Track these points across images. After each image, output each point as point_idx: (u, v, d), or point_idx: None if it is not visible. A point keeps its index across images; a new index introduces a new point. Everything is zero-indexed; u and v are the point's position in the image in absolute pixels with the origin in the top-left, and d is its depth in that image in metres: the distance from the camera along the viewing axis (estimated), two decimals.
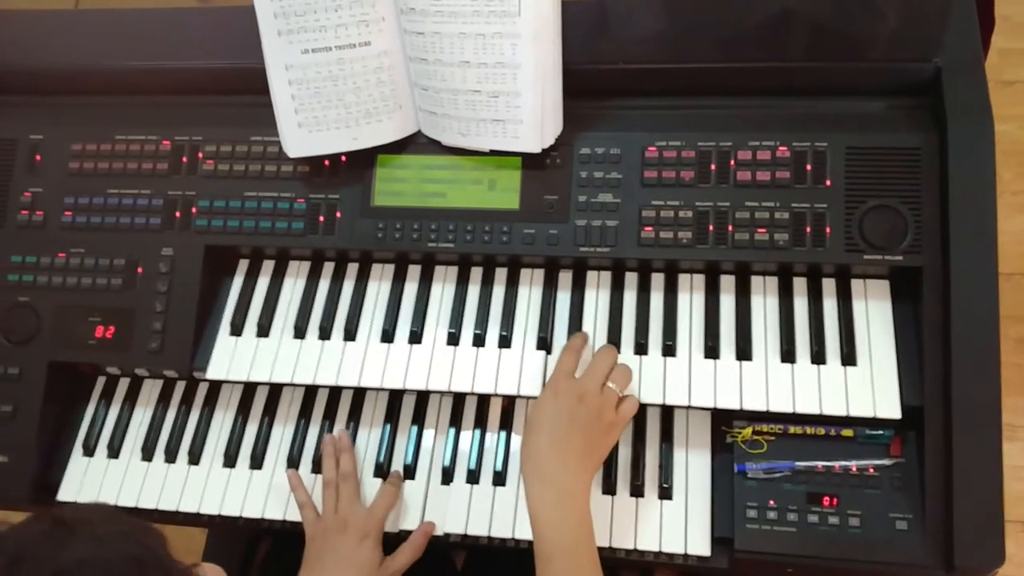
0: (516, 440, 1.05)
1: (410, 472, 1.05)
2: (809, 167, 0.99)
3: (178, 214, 1.11)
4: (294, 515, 1.04)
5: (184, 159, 1.12)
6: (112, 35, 1.18)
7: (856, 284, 1.00)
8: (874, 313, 0.98)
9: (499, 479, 1.03)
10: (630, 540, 0.97)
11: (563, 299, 1.06)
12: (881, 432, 0.95)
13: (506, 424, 1.06)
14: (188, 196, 1.11)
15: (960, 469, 0.88)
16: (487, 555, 1.24)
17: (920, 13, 1.00)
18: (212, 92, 1.15)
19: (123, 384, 1.16)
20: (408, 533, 1.02)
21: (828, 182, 0.98)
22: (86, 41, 1.19)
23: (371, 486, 1.05)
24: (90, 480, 1.10)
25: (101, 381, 1.17)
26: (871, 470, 0.94)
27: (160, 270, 1.10)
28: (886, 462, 0.95)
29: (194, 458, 1.10)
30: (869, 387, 0.95)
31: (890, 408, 0.93)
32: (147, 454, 1.11)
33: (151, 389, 1.15)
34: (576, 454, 0.91)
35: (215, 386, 1.14)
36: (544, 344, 1.03)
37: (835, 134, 0.99)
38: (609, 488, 1.00)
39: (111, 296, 1.10)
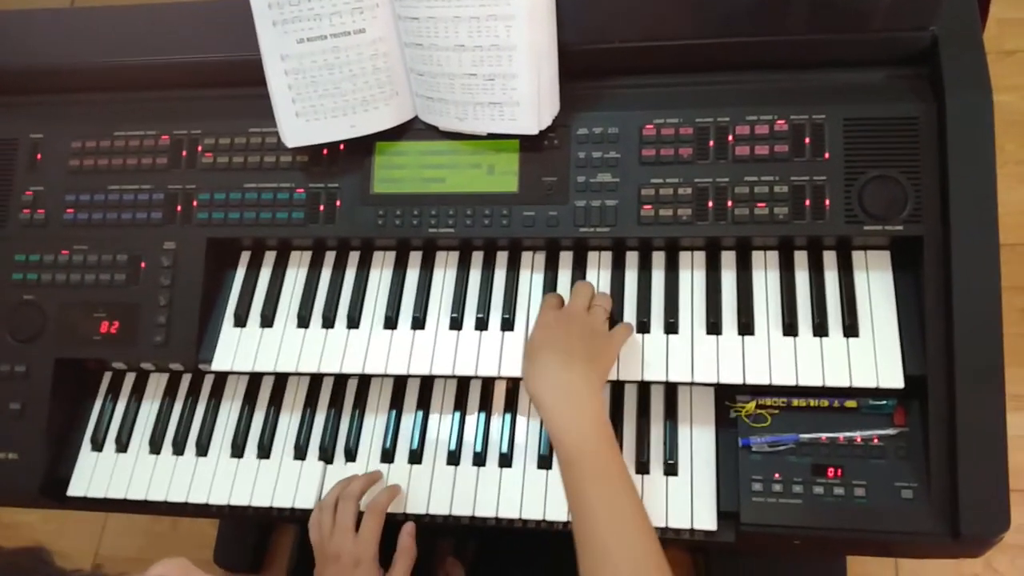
0: (521, 422, 1.06)
1: (416, 456, 1.05)
2: (807, 140, 0.99)
3: (179, 208, 1.11)
4: (303, 503, 1.05)
5: (184, 153, 1.12)
6: (108, 32, 1.18)
7: (857, 255, 1.00)
8: (875, 284, 0.99)
9: (505, 461, 1.03)
10: None
11: (564, 280, 1.06)
12: (884, 402, 0.95)
13: (511, 406, 1.07)
14: (188, 190, 1.11)
15: (964, 436, 0.89)
16: (496, 543, 1.25)
17: None
18: (209, 85, 1.15)
19: (129, 378, 1.17)
20: (416, 517, 1.03)
21: (827, 154, 0.98)
22: (83, 39, 1.19)
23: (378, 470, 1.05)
24: (99, 475, 1.11)
25: (107, 376, 1.17)
26: (875, 440, 0.95)
27: (163, 264, 1.10)
28: (890, 432, 0.95)
29: (202, 449, 1.10)
30: (872, 358, 0.95)
31: (893, 378, 0.93)
32: (155, 447, 1.12)
33: (157, 382, 1.16)
34: (580, 361, 0.92)
35: (221, 377, 1.15)
36: None
37: (833, 106, 0.99)
38: None
39: (115, 292, 1.11)
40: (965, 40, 0.95)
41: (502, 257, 1.09)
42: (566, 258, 1.07)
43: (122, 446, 1.12)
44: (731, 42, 1.01)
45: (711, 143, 1.00)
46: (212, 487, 1.08)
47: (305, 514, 1.04)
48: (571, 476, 0.87)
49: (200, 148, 1.12)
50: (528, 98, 0.99)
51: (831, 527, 0.93)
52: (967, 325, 0.90)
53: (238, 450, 1.10)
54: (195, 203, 1.11)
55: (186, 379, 1.16)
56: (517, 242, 1.07)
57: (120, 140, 1.14)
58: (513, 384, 1.08)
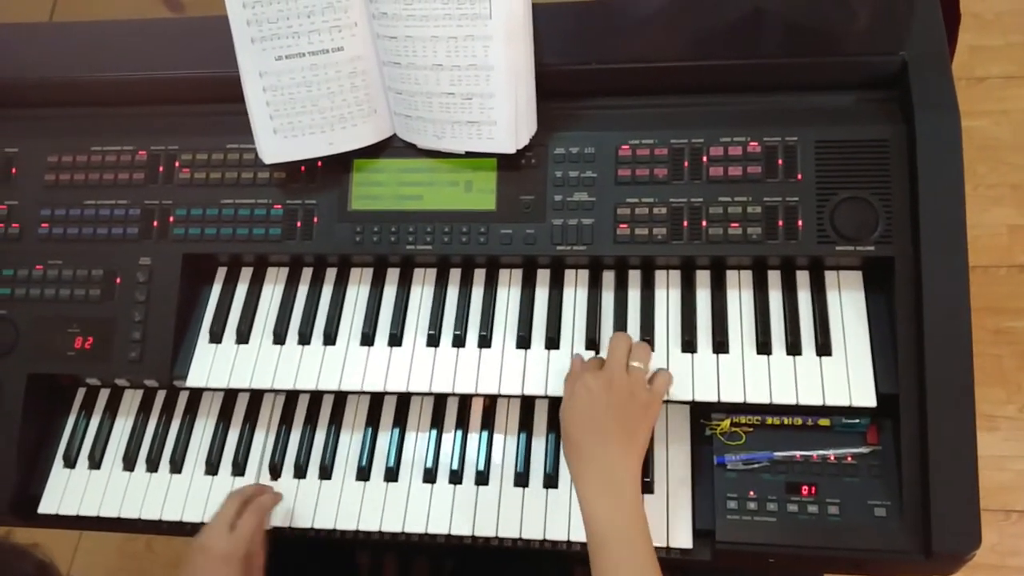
0: (498, 439, 1.06)
1: (392, 474, 1.05)
2: (780, 161, 1.00)
3: (155, 223, 1.11)
4: (278, 521, 1.04)
5: (160, 168, 1.12)
6: (86, 47, 1.18)
7: (829, 275, 1.02)
8: (848, 304, 1.00)
9: (482, 479, 1.03)
10: None
11: (541, 298, 1.06)
12: (857, 421, 0.96)
13: (488, 424, 1.07)
14: (165, 205, 1.11)
15: (935, 455, 0.90)
16: (472, 562, 1.24)
17: (885, 8, 1.01)
18: (187, 101, 1.15)
19: (103, 395, 1.16)
20: (392, 535, 1.02)
21: (799, 176, 0.99)
22: (61, 53, 1.19)
23: (353, 489, 1.05)
24: (71, 491, 1.10)
25: (81, 392, 1.16)
26: (849, 458, 0.96)
27: (138, 280, 1.10)
28: (863, 450, 0.96)
29: (176, 467, 1.09)
30: (844, 376, 0.96)
31: (865, 396, 0.94)
32: (129, 464, 1.11)
33: (132, 399, 1.15)
34: (617, 440, 0.90)
35: (196, 394, 1.14)
36: (524, 343, 1.04)
37: (805, 128, 1.00)
38: None
39: (89, 307, 1.10)
40: (934, 64, 0.97)
41: (479, 274, 1.09)
42: (543, 276, 1.08)
43: (95, 463, 1.11)
44: (706, 65, 1.03)
45: (686, 164, 1.02)
46: (186, 504, 1.07)
47: (280, 532, 1.04)
48: (600, 559, 0.86)
49: (177, 164, 1.12)
50: (505, 117, 1.00)
51: (805, 545, 0.93)
52: (938, 345, 0.91)
53: (212, 467, 1.09)
54: (171, 219, 1.10)
55: (161, 395, 1.15)
56: (495, 259, 1.08)
57: (97, 155, 1.13)
58: (490, 402, 1.08)
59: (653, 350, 1.00)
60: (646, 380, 0.94)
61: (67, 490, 1.10)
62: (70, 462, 1.12)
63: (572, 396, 0.93)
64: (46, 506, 1.10)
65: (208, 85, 1.11)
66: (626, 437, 0.90)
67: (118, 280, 1.10)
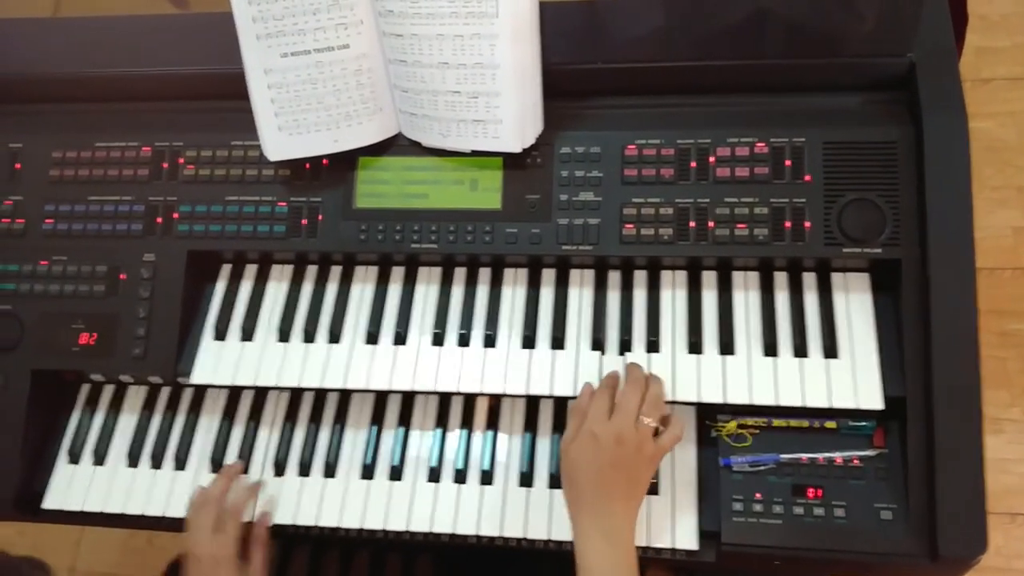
0: (503, 439, 1.05)
1: (397, 473, 1.05)
2: (788, 162, 0.99)
3: (160, 220, 1.11)
4: (282, 518, 1.04)
5: (165, 165, 1.12)
6: (91, 42, 1.18)
7: (836, 277, 1.01)
8: (855, 306, 0.99)
9: (486, 478, 1.03)
10: None
11: (547, 298, 1.06)
12: (864, 423, 0.96)
13: (493, 423, 1.06)
14: (169, 202, 1.11)
15: (942, 458, 0.89)
16: (474, 561, 1.24)
17: (893, 9, 1.01)
18: (192, 98, 1.15)
19: (108, 391, 1.16)
20: (396, 534, 1.02)
21: (807, 177, 0.99)
22: (65, 49, 1.18)
23: (358, 488, 1.05)
24: (76, 488, 1.10)
25: (85, 388, 1.16)
26: (855, 461, 0.95)
27: (143, 276, 1.09)
28: (869, 453, 0.95)
29: (180, 463, 1.09)
30: (851, 379, 0.95)
31: (872, 399, 0.94)
32: (133, 460, 1.11)
33: (136, 395, 1.15)
34: (621, 494, 0.90)
35: (200, 391, 1.14)
36: (529, 342, 1.03)
37: (813, 129, 1.00)
38: None
39: (94, 303, 1.10)
40: (941, 66, 0.97)
41: (484, 274, 1.09)
42: (548, 275, 1.07)
43: (99, 459, 1.11)
44: (713, 65, 1.02)
45: (692, 164, 1.01)
46: None
47: (285, 529, 1.04)
48: None
49: (182, 160, 1.11)
50: (512, 116, 0.99)
51: (810, 547, 0.93)
52: (945, 347, 0.91)
53: (217, 464, 1.09)
54: (176, 215, 1.10)
55: (165, 392, 1.15)
56: (500, 259, 1.07)
57: (101, 151, 1.13)
58: (495, 401, 1.08)
59: (658, 351, 1.00)
60: (651, 434, 0.92)
61: (71, 486, 1.10)
62: (74, 458, 1.12)
63: (578, 442, 0.92)
64: (50, 502, 1.09)
65: (213, 82, 1.11)
66: (628, 490, 0.91)
67: (122, 276, 1.10)
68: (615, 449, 0.90)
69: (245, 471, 1.08)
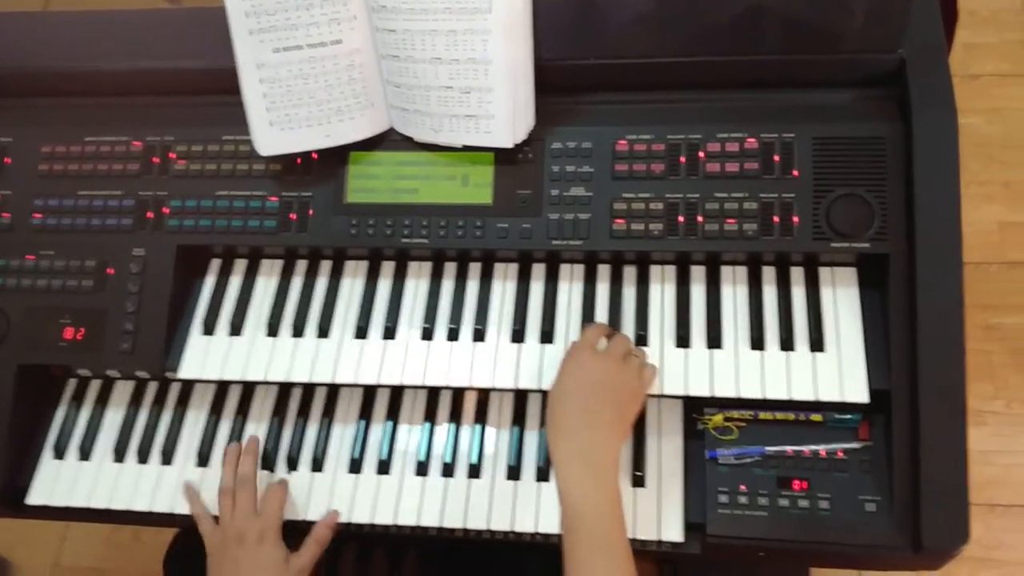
0: (491, 433, 1.06)
1: (385, 467, 1.05)
2: (777, 158, 1.00)
3: (149, 214, 1.10)
4: None
5: (155, 159, 1.11)
6: (82, 36, 1.17)
7: (824, 272, 1.02)
8: (842, 300, 1.00)
9: (474, 472, 1.03)
10: None
11: (536, 292, 1.07)
12: (849, 416, 0.97)
13: (481, 417, 1.07)
14: (159, 196, 1.11)
15: (926, 451, 0.90)
16: (462, 554, 1.25)
17: (883, 5, 1.01)
18: (183, 92, 1.15)
19: (95, 386, 1.15)
20: (384, 527, 1.02)
21: (796, 172, 1.00)
22: (56, 42, 1.17)
23: (346, 482, 1.05)
24: (61, 483, 1.09)
25: (72, 383, 1.16)
26: (840, 454, 0.96)
27: (131, 271, 1.09)
28: (855, 446, 0.96)
29: (167, 458, 1.09)
30: (837, 372, 0.96)
31: (858, 392, 0.95)
32: (119, 455, 1.10)
33: (123, 390, 1.15)
34: (606, 425, 0.90)
35: (188, 386, 1.14)
36: (518, 337, 1.04)
37: (802, 125, 1.00)
38: None
39: (82, 297, 1.09)
40: (931, 62, 0.98)
41: (475, 268, 1.09)
42: (539, 270, 1.08)
43: (85, 454, 1.11)
44: (704, 61, 1.03)
45: (682, 159, 1.02)
46: (177, 496, 1.07)
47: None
48: (572, 541, 0.85)
49: (172, 155, 1.11)
50: (504, 112, 0.99)
51: (795, 539, 0.94)
52: (931, 341, 0.91)
53: (204, 459, 1.09)
54: (166, 210, 1.10)
55: (152, 387, 1.15)
56: (490, 254, 1.08)
57: (91, 145, 1.13)
58: (484, 395, 1.08)
59: (647, 345, 1.01)
60: (638, 371, 0.95)
61: (57, 481, 1.10)
62: (60, 453, 1.11)
63: (565, 373, 0.94)
64: (35, 497, 1.09)
65: (204, 76, 1.11)
66: (615, 421, 0.91)
67: (111, 271, 1.10)
68: (601, 378, 0.91)
69: None
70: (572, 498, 0.87)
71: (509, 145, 1.02)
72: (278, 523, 1.00)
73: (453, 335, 1.05)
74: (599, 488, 0.87)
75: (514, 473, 1.03)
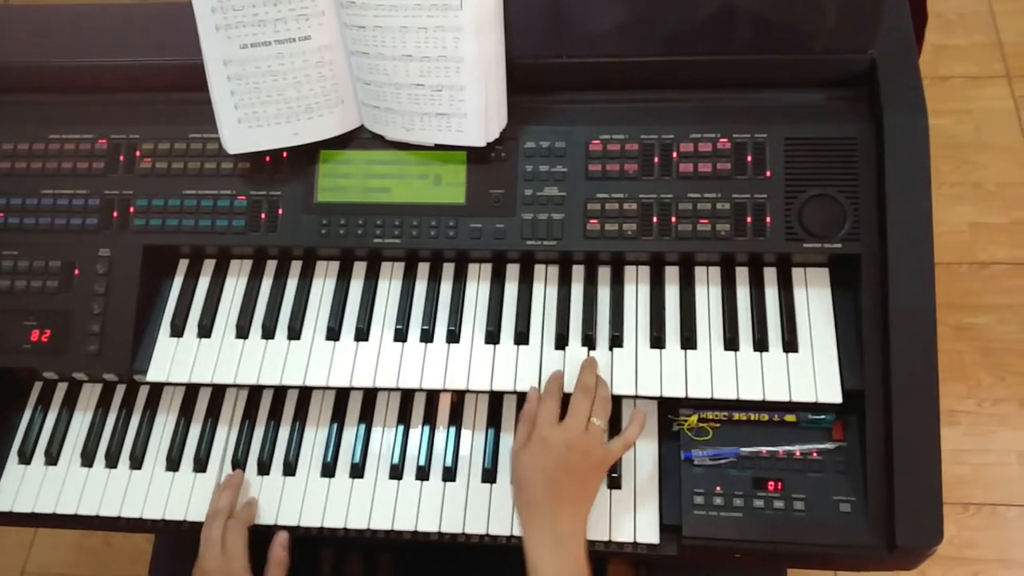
0: (466, 435, 1.05)
1: (358, 470, 1.04)
2: (749, 158, 1.00)
3: (115, 214, 1.08)
4: None
5: (121, 158, 1.09)
6: (44, 31, 1.15)
7: (797, 272, 1.02)
8: (814, 300, 1.00)
9: (449, 475, 1.02)
10: None
11: (511, 293, 1.06)
12: (823, 417, 0.97)
13: (455, 419, 1.06)
14: (125, 195, 1.08)
15: (900, 451, 0.90)
16: (436, 558, 1.24)
17: (855, 7, 1.02)
18: (149, 89, 1.13)
19: (61, 389, 1.13)
20: (358, 532, 1.01)
21: (768, 173, 1.00)
22: (18, 37, 1.15)
23: (318, 486, 1.04)
24: (26, 489, 1.07)
25: (38, 386, 1.13)
26: (814, 454, 0.96)
27: (97, 271, 1.07)
28: (829, 446, 0.96)
29: (136, 462, 1.07)
30: (811, 373, 0.96)
31: (831, 393, 0.95)
32: (87, 460, 1.08)
33: (90, 393, 1.13)
34: (571, 500, 0.92)
35: (156, 389, 1.12)
36: (493, 338, 1.03)
37: (774, 126, 1.00)
38: None
39: (47, 298, 1.07)
40: (902, 63, 0.98)
41: (448, 269, 1.08)
42: (513, 271, 1.07)
43: (52, 459, 1.09)
44: (677, 61, 1.02)
45: (656, 159, 1.01)
46: (146, 501, 1.05)
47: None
48: None
49: (138, 153, 1.09)
50: (476, 110, 0.98)
51: (771, 540, 0.94)
52: (903, 342, 0.92)
53: (173, 464, 1.07)
54: (132, 209, 1.08)
55: (120, 390, 1.13)
56: (464, 254, 1.07)
57: (55, 143, 1.10)
58: (458, 397, 1.07)
59: (622, 346, 1.00)
60: (603, 438, 0.94)
61: (22, 487, 1.07)
62: (25, 458, 1.09)
63: (529, 449, 0.94)
64: None
65: (171, 73, 1.09)
66: (578, 495, 0.92)
67: (76, 272, 1.07)
68: (565, 455, 0.92)
69: (203, 469, 1.06)
70: (538, 569, 0.89)
71: (481, 144, 1.01)
72: (243, 562, 0.97)
73: (427, 336, 1.04)
74: (564, 563, 0.89)
75: (489, 476, 1.02)
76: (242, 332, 1.06)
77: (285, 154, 1.06)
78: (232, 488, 1.02)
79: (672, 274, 1.04)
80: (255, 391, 1.10)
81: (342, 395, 1.09)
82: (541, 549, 0.90)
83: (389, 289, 1.07)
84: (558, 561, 0.89)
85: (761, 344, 0.98)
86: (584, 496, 0.93)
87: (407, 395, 1.08)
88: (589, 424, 0.94)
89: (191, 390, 1.11)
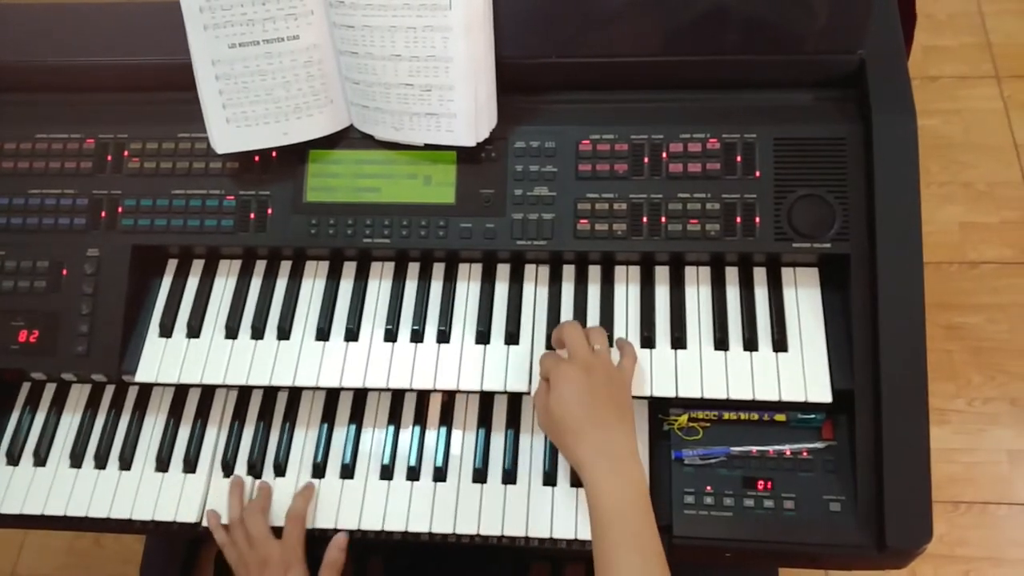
0: (456, 435, 1.05)
1: (348, 471, 1.03)
2: (739, 158, 1.00)
3: (104, 214, 1.08)
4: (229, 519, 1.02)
5: (109, 157, 1.09)
6: (32, 31, 1.14)
7: (786, 272, 1.02)
8: (804, 300, 1.01)
9: (439, 475, 1.02)
10: (571, 531, 0.97)
11: (501, 293, 1.06)
12: (813, 416, 0.97)
13: (446, 420, 1.05)
14: (114, 195, 1.08)
15: (889, 450, 0.91)
16: (428, 559, 1.24)
17: (844, 7, 1.02)
18: (137, 89, 1.12)
19: (49, 390, 1.13)
20: (348, 533, 1.01)
21: (757, 173, 1.00)
22: (4, 36, 1.14)
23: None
24: (15, 490, 1.06)
25: (26, 387, 1.13)
26: (804, 453, 0.96)
27: (86, 271, 1.06)
28: (818, 445, 0.96)
29: (125, 463, 1.07)
30: (800, 372, 0.96)
31: (821, 392, 0.95)
32: (76, 461, 1.08)
33: (79, 394, 1.12)
34: (616, 418, 0.91)
35: (145, 389, 1.11)
36: (483, 338, 1.03)
37: (764, 126, 1.01)
38: (550, 479, 1.00)
39: (35, 299, 1.07)
40: (891, 64, 0.98)
41: (438, 268, 1.08)
42: (503, 270, 1.07)
43: (40, 460, 1.08)
44: (667, 61, 1.02)
45: (646, 160, 1.01)
46: (136, 502, 1.05)
47: None
48: (605, 539, 0.86)
49: (126, 153, 1.08)
50: (465, 110, 0.98)
51: (761, 540, 0.94)
52: (892, 341, 0.92)
53: (163, 464, 1.06)
54: (120, 209, 1.07)
55: (109, 390, 1.12)
56: (454, 254, 1.07)
57: (42, 143, 1.10)
58: (448, 397, 1.07)
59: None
60: (608, 358, 0.94)
61: (9, 489, 1.07)
62: (13, 459, 1.08)
63: (556, 389, 0.92)
64: None
65: (159, 72, 1.08)
66: (619, 413, 0.92)
67: (64, 272, 1.07)
68: (590, 378, 0.91)
69: (193, 470, 1.06)
70: (605, 497, 0.87)
71: (471, 144, 1.01)
72: (302, 553, 0.98)
73: (417, 336, 1.04)
74: (628, 483, 0.88)
75: (480, 476, 1.02)
76: (231, 332, 1.06)
77: (274, 154, 1.06)
78: (265, 496, 1.03)
79: (662, 274, 1.04)
80: (245, 392, 1.10)
81: (332, 395, 1.09)
82: (601, 475, 0.88)
83: (379, 289, 1.07)
84: (619, 481, 0.88)
85: (751, 344, 0.99)
86: (623, 414, 0.92)
87: (397, 395, 1.08)
88: (593, 349, 0.94)
89: (180, 391, 1.11)
